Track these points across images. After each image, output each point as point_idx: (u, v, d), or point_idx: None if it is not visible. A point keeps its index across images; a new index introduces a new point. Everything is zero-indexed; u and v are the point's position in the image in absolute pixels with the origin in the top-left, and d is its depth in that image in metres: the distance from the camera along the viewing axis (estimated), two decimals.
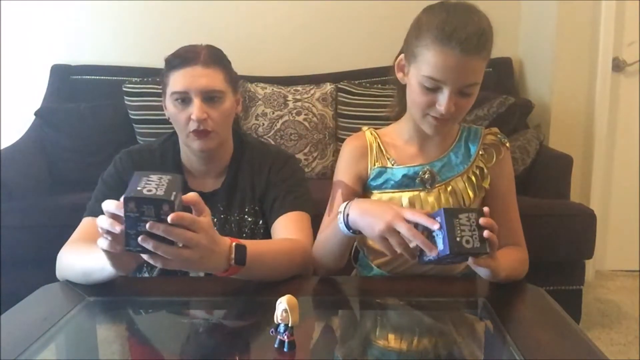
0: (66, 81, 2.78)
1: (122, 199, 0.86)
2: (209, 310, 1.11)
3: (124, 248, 0.89)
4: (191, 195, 0.93)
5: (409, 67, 1.11)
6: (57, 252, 1.16)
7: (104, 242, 0.92)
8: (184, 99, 1.21)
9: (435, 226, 0.92)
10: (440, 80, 1.04)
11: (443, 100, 1.05)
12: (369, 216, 1.01)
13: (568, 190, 2.30)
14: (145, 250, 0.87)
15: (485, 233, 0.91)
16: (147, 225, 0.85)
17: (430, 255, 0.93)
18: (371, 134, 1.25)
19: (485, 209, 0.94)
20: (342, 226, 1.06)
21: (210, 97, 1.21)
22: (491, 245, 0.93)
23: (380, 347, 0.99)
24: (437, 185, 1.18)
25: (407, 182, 1.19)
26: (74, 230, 1.21)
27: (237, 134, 1.36)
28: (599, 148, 2.69)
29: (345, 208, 1.06)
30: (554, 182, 2.29)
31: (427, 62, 1.04)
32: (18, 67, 2.88)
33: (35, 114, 2.59)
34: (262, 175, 1.31)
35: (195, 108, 1.20)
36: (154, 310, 1.11)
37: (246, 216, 1.30)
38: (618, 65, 2.71)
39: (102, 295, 1.07)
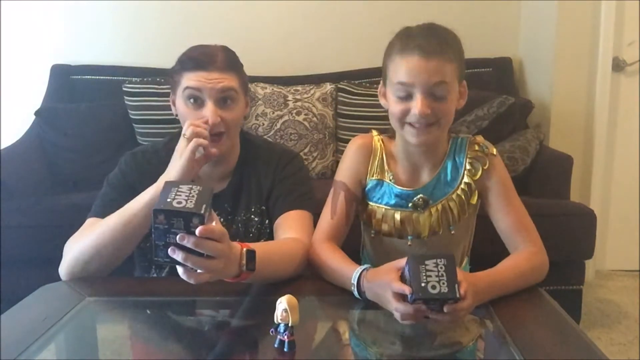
0: (66, 81, 2.78)
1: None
2: (209, 310, 1.11)
3: (153, 258, 0.89)
4: None
5: (386, 88, 1.16)
6: (57, 252, 1.16)
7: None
8: (197, 99, 1.21)
9: (406, 290, 0.91)
10: (408, 83, 1.09)
11: (416, 103, 1.09)
12: (377, 299, 1.01)
13: (568, 190, 2.30)
14: (174, 262, 0.88)
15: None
16: (178, 238, 0.85)
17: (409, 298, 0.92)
18: (378, 140, 1.26)
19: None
20: (356, 294, 1.06)
21: (224, 101, 1.21)
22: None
23: (381, 346, 0.99)
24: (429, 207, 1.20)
25: (400, 203, 1.21)
26: (74, 230, 1.21)
27: (243, 134, 1.36)
28: (599, 148, 2.69)
29: (357, 282, 1.05)
30: (554, 182, 2.29)
31: (396, 71, 1.11)
32: (18, 67, 2.88)
33: (35, 114, 2.59)
34: (267, 175, 1.31)
35: (210, 112, 1.19)
36: (153, 310, 1.11)
37: (252, 216, 1.30)
38: (618, 65, 2.71)
39: (102, 295, 1.07)
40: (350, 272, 1.07)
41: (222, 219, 1.29)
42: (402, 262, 0.98)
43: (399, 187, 1.21)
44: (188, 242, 0.86)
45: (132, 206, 1.14)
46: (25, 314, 1.02)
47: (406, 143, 1.18)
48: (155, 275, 1.28)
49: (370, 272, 1.04)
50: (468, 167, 1.20)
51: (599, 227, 2.17)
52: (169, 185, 0.89)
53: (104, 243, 1.12)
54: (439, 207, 1.20)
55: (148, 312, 1.11)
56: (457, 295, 0.89)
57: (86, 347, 0.98)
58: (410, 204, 1.20)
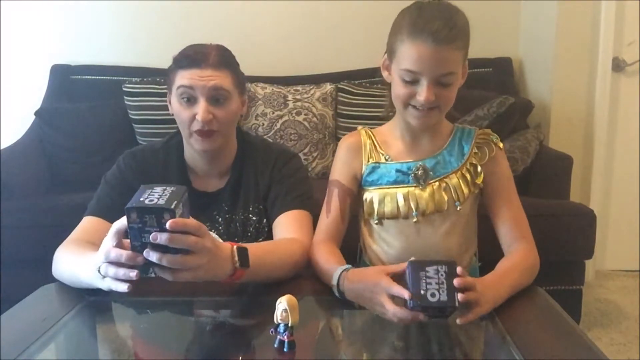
0: (66, 81, 2.78)
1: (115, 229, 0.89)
2: (209, 310, 1.11)
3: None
4: None
5: (391, 64, 1.15)
6: None
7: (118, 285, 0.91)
8: (190, 97, 1.21)
9: (405, 295, 0.90)
10: (417, 71, 1.09)
11: (422, 90, 1.09)
12: (362, 301, 1.02)
13: (568, 190, 2.30)
14: (153, 263, 0.88)
15: (460, 297, 0.90)
16: (151, 237, 0.85)
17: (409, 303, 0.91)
18: (365, 132, 1.28)
19: (459, 269, 0.93)
20: (337, 294, 1.07)
21: (216, 99, 1.22)
22: (468, 303, 0.91)
23: (380, 347, 0.99)
24: (430, 182, 1.20)
25: (401, 178, 1.21)
26: (73, 230, 1.21)
27: (240, 134, 1.36)
28: (599, 148, 2.69)
29: (338, 281, 1.06)
30: (554, 182, 2.29)
31: (404, 56, 1.10)
32: (18, 67, 2.88)
33: (35, 114, 2.59)
34: (265, 174, 1.31)
35: (201, 109, 1.20)
36: (153, 310, 1.11)
37: (251, 215, 1.30)
38: (618, 65, 2.71)
39: (102, 295, 1.07)
40: (334, 271, 1.08)
41: (220, 218, 1.30)
42: (391, 267, 0.98)
43: (398, 162, 1.22)
44: (161, 239, 0.85)
45: (78, 272, 1.05)
46: (25, 314, 1.02)
47: (407, 122, 1.18)
48: (153, 274, 1.28)
49: (353, 272, 1.05)
50: (475, 150, 1.21)
51: (599, 227, 2.16)
52: (143, 187, 0.90)
53: (71, 282, 1.09)
54: (441, 183, 1.19)
55: (148, 312, 1.11)
56: (456, 304, 0.89)
57: (86, 347, 0.98)
58: (411, 176, 1.20)
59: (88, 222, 1.22)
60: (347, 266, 1.07)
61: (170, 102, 1.27)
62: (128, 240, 0.90)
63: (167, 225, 0.84)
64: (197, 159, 1.30)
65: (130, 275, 0.90)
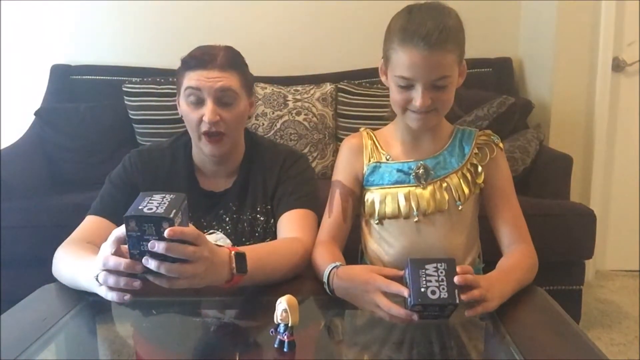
0: (66, 81, 2.79)
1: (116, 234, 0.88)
2: (208, 310, 1.11)
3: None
4: None
5: (387, 70, 1.16)
6: None
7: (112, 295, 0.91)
8: (197, 98, 1.21)
9: (405, 293, 0.91)
10: (410, 78, 1.09)
11: (417, 96, 1.10)
12: (352, 298, 1.03)
13: (568, 190, 2.30)
14: (150, 271, 0.87)
15: (464, 297, 0.91)
16: (149, 245, 0.85)
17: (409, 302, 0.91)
18: (367, 133, 1.29)
19: (459, 267, 0.93)
20: (329, 292, 1.08)
21: (223, 100, 1.22)
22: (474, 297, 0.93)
23: (380, 347, 0.99)
24: (431, 182, 1.20)
25: (402, 178, 1.21)
26: (73, 230, 1.21)
27: (248, 135, 1.36)
28: (599, 148, 2.69)
29: (328, 278, 1.07)
30: (554, 182, 2.29)
31: (397, 62, 1.10)
32: (18, 67, 2.89)
33: (35, 114, 2.59)
34: (273, 175, 1.31)
35: (208, 110, 1.19)
36: (153, 310, 1.11)
37: (258, 215, 1.30)
38: (618, 65, 2.71)
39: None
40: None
41: (227, 218, 1.30)
42: (385, 270, 0.99)
43: (399, 161, 1.22)
44: (158, 248, 0.85)
45: (77, 276, 1.05)
46: (25, 314, 1.02)
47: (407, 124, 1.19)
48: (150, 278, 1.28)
49: (342, 270, 1.05)
50: (476, 151, 1.21)
51: (599, 227, 2.16)
52: (142, 194, 0.89)
53: (70, 284, 1.09)
54: (442, 183, 1.19)
55: (153, 312, 1.11)
56: (457, 301, 0.89)
57: (86, 347, 0.98)
58: (412, 175, 1.20)
59: (90, 222, 1.22)
60: (337, 263, 1.08)
61: (179, 104, 1.27)
62: (127, 247, 0.89)
63: (165, 234, 0.84)
64: (206, 160, 1.30)
65: (133, 285, 0.89)
